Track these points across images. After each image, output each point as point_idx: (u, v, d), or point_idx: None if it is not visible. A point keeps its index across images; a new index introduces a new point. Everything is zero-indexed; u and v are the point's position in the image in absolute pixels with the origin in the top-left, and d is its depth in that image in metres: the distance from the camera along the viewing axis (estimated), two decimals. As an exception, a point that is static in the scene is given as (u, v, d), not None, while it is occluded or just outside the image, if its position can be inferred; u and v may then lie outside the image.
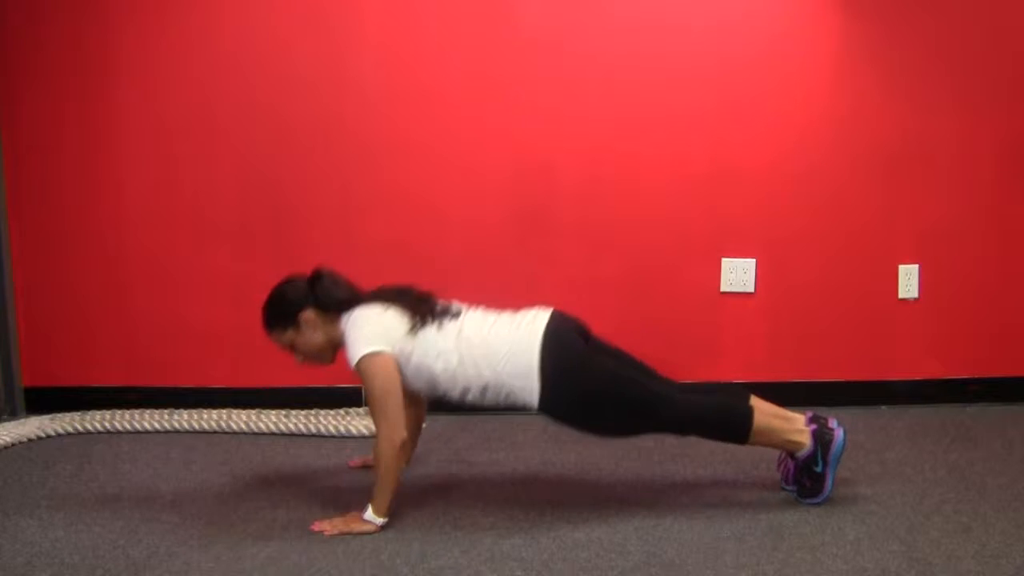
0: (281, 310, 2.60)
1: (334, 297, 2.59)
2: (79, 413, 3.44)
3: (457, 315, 2.61)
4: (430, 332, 2.54)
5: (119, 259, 3.53)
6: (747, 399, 2.68)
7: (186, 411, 3.45)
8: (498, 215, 3.53)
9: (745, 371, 3.61)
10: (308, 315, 2.59)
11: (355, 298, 2.61)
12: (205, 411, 3.45)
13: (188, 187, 3.50)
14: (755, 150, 3.52)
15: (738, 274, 3.58)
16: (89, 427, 3.37)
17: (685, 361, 3.60)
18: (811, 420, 2.66)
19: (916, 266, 3.62)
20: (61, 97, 3.44)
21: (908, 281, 3.62)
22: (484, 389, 2.55)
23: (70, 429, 3.35)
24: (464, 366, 2.52)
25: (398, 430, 2.46)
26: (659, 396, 2.58)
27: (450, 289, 3.53)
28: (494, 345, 2.53)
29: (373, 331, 2.51)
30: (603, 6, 3.44)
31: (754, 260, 3.58)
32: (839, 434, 2.61)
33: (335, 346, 2.63)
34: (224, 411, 3.44)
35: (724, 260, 3.58)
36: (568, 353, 2.55)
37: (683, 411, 2.59)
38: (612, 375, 2.57)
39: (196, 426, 3.39)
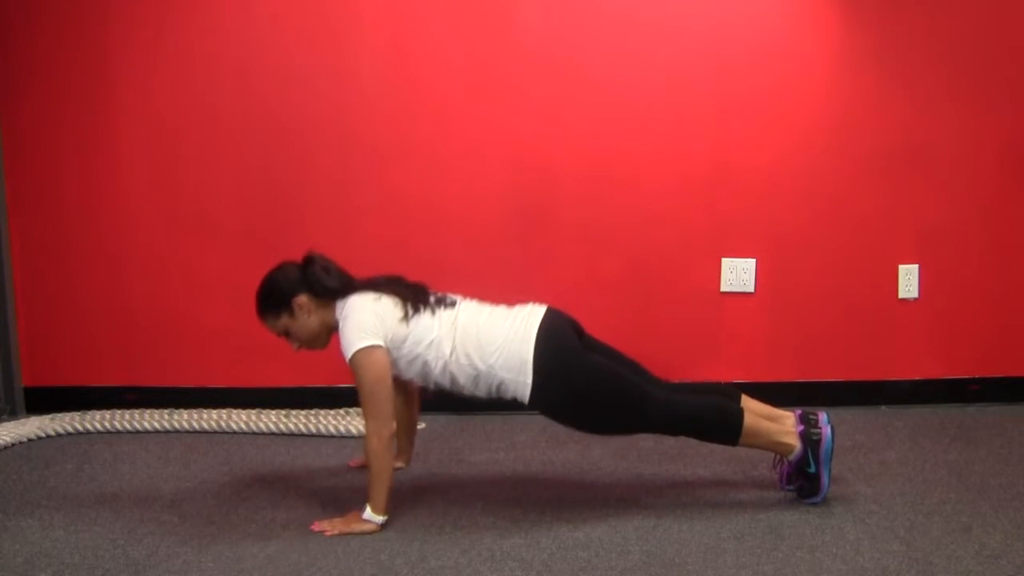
0: (274, 296, 2.59)
1: (326, 282, 2.58)
2: (79, 413, 3.44)
3: (452, 304, 2.62)
4: (424, 319, 2.55)
5: (119, 259, 3.53)
6: (738, 399, 2.68)
7: (186, 411, 3.45)
8: (498, 215, 3.53)
9: (745, 371, 3.61)
10: (301, 300, 2.58)
11: (347, 284, 2.60)
12: (205, 411, 3.45)
13: (188, 187, 3.50)
14: (755, 150, 3.52)
15: (738, 274, 3.58)
16: (89, 427, 3.37)
17: (685, 361, 3.61)
18: (800, 420, 2.66)
19: (916, 266, 3.62)
20: (61, 97, 3.44)
21: (908, 281, 3.62)
22: (476, 379, 2.55)
23: (70, 429, 3.35)
24: (456, 355, 2.53)
25: (386, 424, 2.46)
26: (650, 396, 2.59)
27: (450, 288, 3.54)
28: (488, 336, 2.53)
29: (367, 322, 2.50)
30: (603, 6, 3.44)
31: (754, 260, 3.58)
32: (827, 432, 2.60)
33: (330, 330, 2.63)
34: (224, 411, 3.44)
35: (724, 260, 3.58)
36: (562, 349, 2.55)
37: (674, 411, 2.59)
38: (604, 373, 2.58)
39: (196, 426, 3.39)
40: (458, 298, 2.67)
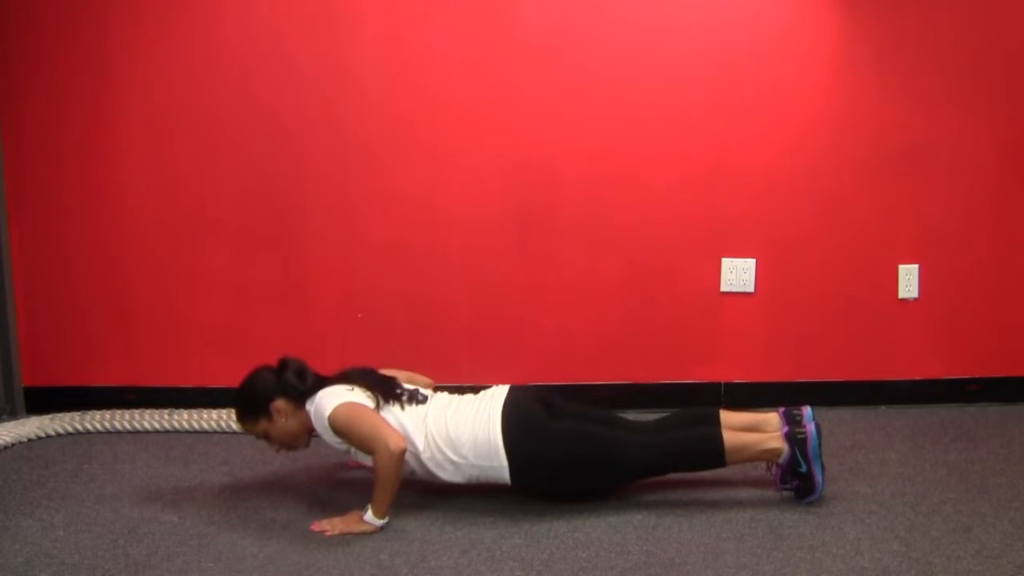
0: (252, 402, 2.66)
1: (301, 385, 2.65)
2: (79, 413, 3.44)
3: (424, 400, 2.68)
4: (395, 411, 2.60)
5: (119, 259, 3.53)
6: (716, 421, 2.70)
7: (186, 411, 3.45)
8: (498, 214, 3.53)
9: (745, 371, 3.61)
10: (279, 405, 2.63)
11: (320, 384, 2.66)
12: (205, 411, 3.45)
13: (188, 187, 3.50)
14: (755, 150, 3.52)
15: (738, 274, 3.58)
16: (89, 427, 3.37)
17: (685, 361, 3.61)
18: (784, 419, 2.67)
19: (916, 266, 3.62)
20: (61, 97, 3.44)
21: (908, 281, 3.62)
22: (454, 472, 2.61)
23: (70, 429, 3.35)
24: (431, 450, 2.58)
25: (394, 441, 2.47)
26: (626, 443, 2.64)
27: (450, 289, 3.55)
28: (456, 431, 2.59)
29: (341, 393, 2.57)
30: (603, 6, 3.44)
31: (754, 260, 3.58)
32: (811, 429, 2.61)
33: (309, 431, 2.68)
34: (224, 411, 3.44)
35: (724, 260, 3.58)
36: (528, 426, 2.61)
37: (653, 452, 2.64)
38: (576, 436, 2.62)
39: (196, 426, 3.39)
40: (428, 393, 2.73)
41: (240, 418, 2.69)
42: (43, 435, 3.31)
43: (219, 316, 3.53)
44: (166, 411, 3.45)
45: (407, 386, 2.72)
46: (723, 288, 3.60)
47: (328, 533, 2.47)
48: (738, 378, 3.62)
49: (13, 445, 3.22)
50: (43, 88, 3.43)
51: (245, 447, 3.22)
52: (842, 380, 3.64)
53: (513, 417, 2.59)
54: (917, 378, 3.65)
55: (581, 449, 2.60)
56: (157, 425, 3.38)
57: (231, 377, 3.56)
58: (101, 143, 3.47)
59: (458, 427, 2.59)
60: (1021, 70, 3.55)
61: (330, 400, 2.55)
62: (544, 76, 3.47)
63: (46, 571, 2.27)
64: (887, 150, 3.54)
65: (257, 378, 2.68)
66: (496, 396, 2.67)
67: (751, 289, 3.60)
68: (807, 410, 2.68)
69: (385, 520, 2.50)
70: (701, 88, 3.49)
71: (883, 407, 3.63)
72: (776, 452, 2.63)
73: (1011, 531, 2.46)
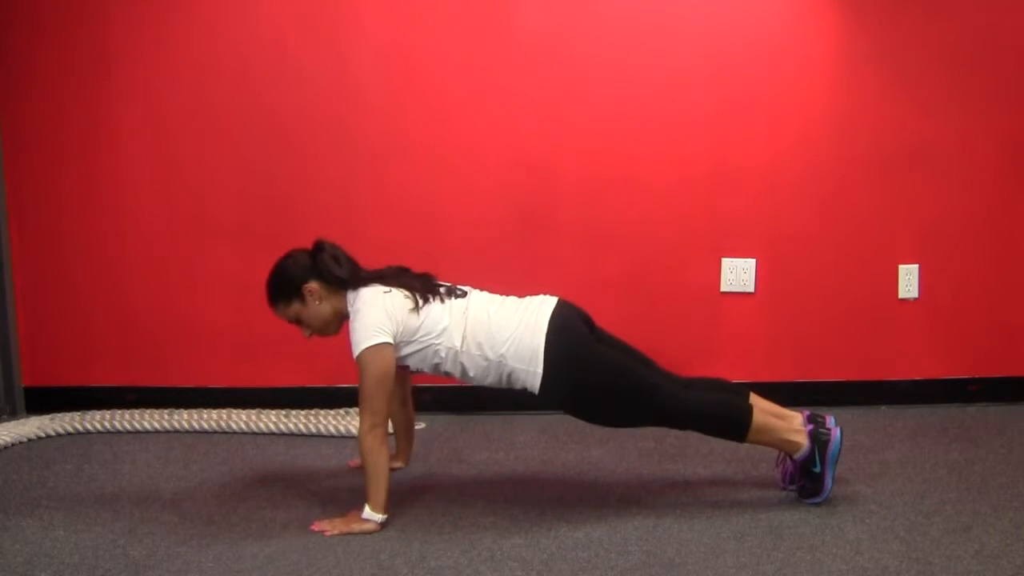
0: (284, 283, 2.59)
1: (335, 270, 2.59)
2: (79, 413, 3.44)
3: (463, 294, 2.62)
4: (434, 308, 2.55)
5: (119, 259, 3.53)
6: (747, 396, 2.68)
7: (186, 411, 3.45)
8: (498, 215, 3.53)
9: (745, 371, 3.61)
10: (312, 287, 2.58)
11: (357, 273, 2.61)
12: (205, 411, 3.45)
13: (188, 187, 3.50)
14: (755, 150, 3.52)
15: (738, 274, 3.58)
16: (89, 427, 3.37)
17: (685, 361, 3.59)
18: (808, 420, 2.66)
19: (916, 266, 3.62)
20: (61, 97, 3.44)
21: (908, 281, 3.62)
22: (486, 369, 2.55)
23: (70, 429, 3.35)
24: (467, 344, 2.53)
25: (381, 422, 2.46)
26: (659, 389, 2.59)
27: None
28: (499, 326, 2.54)
29: (377, 319, 2.49)
30: (603, 6, 3.44)
31: (754, 260, 3.58)
32: (836, 434, 2.61)
33: (341, 317, 2.62)
34: (224, 411, 3.44)
35: (724, 260, 3.58)
36: (573, 340, 2.56)
37: (683, 404, 2.59)
38: (614, 366, 2.58)
39: (196, 426, 3.39)
40: (468, 288, 2.67)
41: (272, 300, 2.61)
42: (43, 435, 3.31)
43: (219, 316, 3.53)
44: (166, 411, 3.45)
45: (445, 283, 2.65)
46: (723, 288, 3.60)
47: (328, 533, 2.47)
48: (738, 378, 3.59)
49: (13, 445, 3.22)
50: (43, 88, 3.43)
51: (245, 447, 3.22)
52: (842, 380, 3.64)
53: (559, 329, 2.53)
54: (917, 378, 3.65)
55: (614, 379, 2.55)
56: (157, 425, 3.38)
57: (231, 377, 3.59)
58: (101, 143, 3.47)
59: (502, 322, 2.53)
60: (1021, 70, 3.55)
61: (367, 327, 2.46)
62: (544, 76, 3.47)
63: (46, 571, 2.27)
64: (887, 150, 3.54)
65: (291, 259, 2.62)
66: (545, 304, 2.60)
67: (751, 289, 3.60)
68: (831, 417, 2.68)
69: (384, 517, 2.49)
70: (701, 88, 3.49)
71: (883, 407, 3.63)
72: (796, 446, 2.61)
73: (1011, 531, 2.46)
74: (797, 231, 3.58)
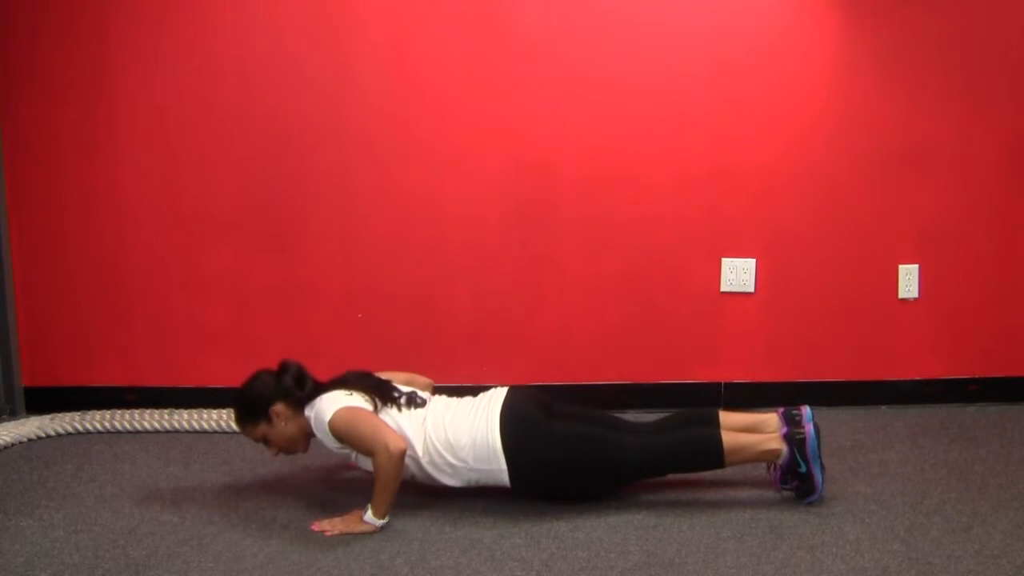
0: (252, 405, 2.66)
1: (299, 389, 2.65)
2: (79, 413, 3.44)
3: (421, 404, 2.68)
4: (393, 414, 2.62)
5: (119, 259, 3.53)
6: (715, 422, 2.71)
7: (186, 411, 3.45)
8: (498, 214, 3.53)
9: (745, 371, 3.61)
10: (278, 408, 2.64)
11: (319, 389, 2.67)
12: (205, 411, 3.45)
13: (188, 187, 3.50)
14: (755, 150, 3.52)
15: (738, 274, 3.58)
16: (89, 427, 3.37)
17: (685, 361, 3.61)
18: (784, 420, 2.67)
19: (916, 266, 3.62)
20: (61, 98, 3.44)
21: (908, 281, 3.62)
22: (453, 475, 2.61)
23: (70, 429, 3.35)
24: (430, 454, 2.59)
25: (393, 442, 2.48)
26: (625, 445, 2.64)
27: (450, 289, 3.55)
28: (455, 434, 2.59)
29: (340, 398, 2.58)
30: (603, 6, 3.44)
31: (754, 260, 3.58)
32: (809, 430, 2.62)
33: (307, 435, 2.69)
34: (224, 411, 3.44)
35: (724, 260, 3.58)
36: (526, 425, 2.61)
37: (654, 453, 2.64)
38: (574, 438, 2.63)
39: (196, 426, 3.39)
40: (427, 396, 2.74)
41: (239, 421, 2.69)
42: (43, 435, 3.31)
43: (219, 316, 3.53)
44: (166, 411, 3.45)
45: (404, 389, 2.72)
46: (723, 288, 3.60)
47: (328, 533, 2.47)
48: (738, 378, 3.62)
49: (13, 445, 3.22)
50: (43, 88, 3.43)
51: (245, 447, 3.21)
52: (842, 380, 3.64)
53: (511, 419, 2.59)
54: (917, 378, 3.65)
55: (579, 451, 2.61)
56: (157, 425, 3.38)
57: (231, 377, 3.56)
58: (101, 143, 3.47)
59: (457, 431, 2.59)
60: (1021, 70, 3.55)
61: (329, 405, 2.56)
62: (544, 76, 3.47)
63: (46, 571, 2.27)
64: (887, 150, 3.54)
65: (257, 381, 2.69)
66: (494, 399, 2.67)
67: (751, 289, 3.60)
68: (806, 410, 2.68)
69: (385, 520, 2.50)
70: (701, 88, 3.49)
71: (883, 407, 3.63)
72: (775, 453, 2.63)
73: (1011, 531, 2.46)
74: (797, 231, 3.58)
